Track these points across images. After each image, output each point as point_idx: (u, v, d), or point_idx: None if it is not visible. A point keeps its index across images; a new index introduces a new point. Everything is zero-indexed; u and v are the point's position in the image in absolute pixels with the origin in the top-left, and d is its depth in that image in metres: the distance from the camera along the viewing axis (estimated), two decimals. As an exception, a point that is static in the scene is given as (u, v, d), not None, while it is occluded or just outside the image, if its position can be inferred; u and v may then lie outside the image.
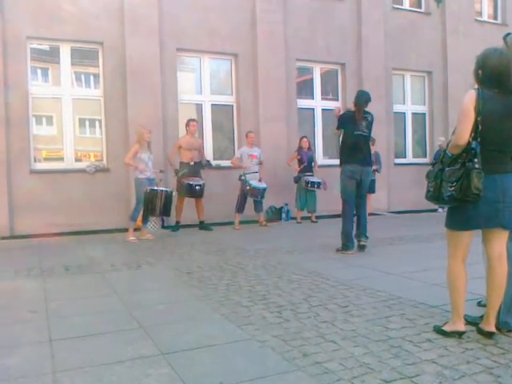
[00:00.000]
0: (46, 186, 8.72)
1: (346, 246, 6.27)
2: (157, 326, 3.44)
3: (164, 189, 7.93)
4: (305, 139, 10.03)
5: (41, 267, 5.71)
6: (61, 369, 2.74)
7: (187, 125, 8.92)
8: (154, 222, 8.85)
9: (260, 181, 9.31)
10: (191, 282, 4.83)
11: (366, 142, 6.45)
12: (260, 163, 9.44)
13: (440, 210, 11.14)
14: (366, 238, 6.36)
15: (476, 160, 2.86)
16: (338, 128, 6.57)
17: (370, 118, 6.44)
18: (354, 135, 6.33)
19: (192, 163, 8.74)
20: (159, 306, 3.97)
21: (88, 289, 4.69)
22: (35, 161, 9.05)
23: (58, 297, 4.37)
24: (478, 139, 2.90)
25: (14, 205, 8.56)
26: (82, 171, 9.09)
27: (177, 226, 8.81)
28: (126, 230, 8.08)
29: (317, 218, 9.96)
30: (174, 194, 8.19)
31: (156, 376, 2.61)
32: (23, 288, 4.80)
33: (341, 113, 6.98)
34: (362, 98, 6.45)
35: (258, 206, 9.41)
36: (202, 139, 10.03)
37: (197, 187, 8.52)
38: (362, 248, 6.30)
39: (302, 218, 9.93)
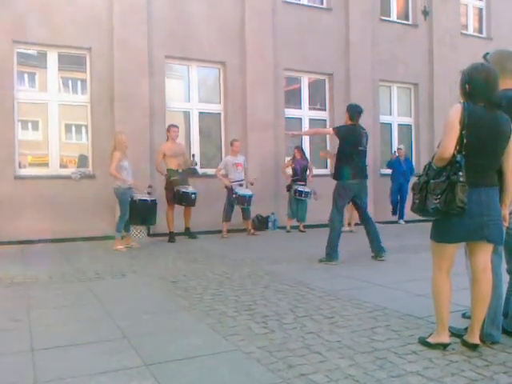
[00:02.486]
0: (30, 192, 8.61)
1: (330, 256, 6.27)
2: (141, 337, 3.40)
3: (150, 198, 7.86)
4: (296, 150, 10.08)
5: (24, 274, 5.63)
6: (42, 379, 2.70)
7: (168, 130, 8.79)
8: (139, 231, 8.78)
9: (247, 187, 9.33)
10: (176, 291, 4.80)
11: (365, 156, 6.58)
12: (245, 169, 9.45)
13: (401, 221, 11.27)
14: (384, 252, 6.42)
15: (461, 173, 2.88)
16: (337, 132, 6.48)
17: (367, 133, 6.57)
18: (357, 151, 6.40)
19: (180, 170, 8.64)
20: (144, 316, 3.93)
21: (72, 297, 4.62)
22: (20, 166, 8.96)
23: (41, 305, 4.31)
24: (463, 152, 2.93)
25: (-3, 211, 8.45)
26: (68, 177, 9.00)
27: (173, 236, 8.54)
28: (111, 237, 8.01)
29: (305, 227, 9.98)
30: (158, 201, 8.08)
31: (139, 388, 2.58)
32: (6, 296, 4.72)
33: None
34: (358, 111, 6.55)
35: (245, 213, 9.41)
36: (190, 146, 10.03)
37: (192, 195, 8.46)
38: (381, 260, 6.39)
39: (291, 228, 9.94)
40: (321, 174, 11.08)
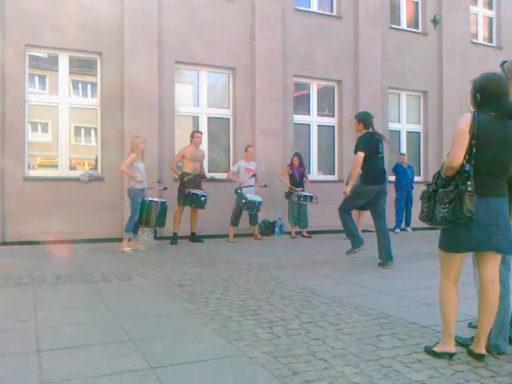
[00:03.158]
0: (39, 193, 8.68)
1: (356, 243, 6.41)
2: (146, 340, 3.41)
3: (160, 200, 7.94)
4: (296, 158, 10.05)
5: (31, 275, 5.66)
6: (48, 380, 2.71)
7: (192, 136, 8.90)
8: (146, 234, 8.80)
9: (256, 193, 9.35)
10: (182, 294, 4.81)
11: (383, 162, 6.64)
12: (255, 177, 9.47)
13: (409, 228, 11.07)
14: (392, 261, 6.41)
15: (469, 183, 2.88)
16: (363, 150, 6.37)
17: (383, 137, 6.62)
18: (378, 159, 6.46)
19: (194, 174, 8.74)
20: (149, 319, 3.94)
21: (78, 299, 4.65)
22: (29, 168, 9.02)
23: (47, 306, 4.34)
24: (472, 162, 2.92)
25: (6, 211, 8.52)
26: (76, 179, 9.06)
27: (175, 238, 8.66)
28: (118, 239, 8.05)
29: (309, 233, 9.97)
30: (168, 204, 8.16)
31: (144, 390, 2.58)
32: (13, 296, 4.75)
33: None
34: (371, 117, 6.62)
35: (253, 218, 9.43)
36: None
37: (202, 198, 8.55)
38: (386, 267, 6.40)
39: (296, 233, 9.94)
40: (328, 180, 11.12)
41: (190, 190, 8.50)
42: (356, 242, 6.42)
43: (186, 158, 8.73)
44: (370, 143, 6.45)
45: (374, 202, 6.54)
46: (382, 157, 6.58)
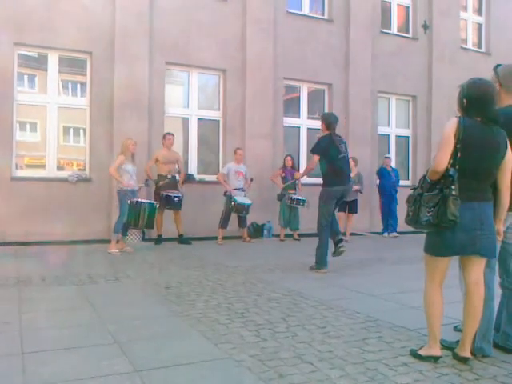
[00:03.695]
0: (26, 193, 8.60)
1: (320, 265, 6.36)
2: (132, 342, 3.39)
3: (149, 201, 7.90)
4: (288, 158, 10.10)
5: (17, 276, 5.61)
6: (32, 383, 2.68)
7: (163, 138, 8.94)
8: (134, 235, 8.76)
9: (245, 196, 9.34)
10: (169, 297, 4.79)
11: (347, 162, 6.67)
12: (246, 179, 9.47)
13: (385, 234, 11.11)
14: (341, 241, 6.54)
15: (453, 187, 2.90)
16: (318, 153, 6.49)
17: (343, 140, 6.63)
18: (339, 159, 6.45)
19: (169, 176, 8.77)
20: (136, 321, 3.91)
21: (64, 301, 4.61)
22: (17, 168, 8.94)
23: (32, 308, 4.30)
24: (457, 166, 2.95)
25: (-8, 212, 8.43)
26: (64, 180, 8.99)
27: (159, 240, 8.75)
28: (105, 241, 7.99)
29: (299, 236, 9.98)
30: (157, 205, 8.14)
31: (129, 393, 2.57)
32: (-3, 298, 4.71)
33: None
34: (334, 120, 6.63)
35: (242, 221, 9.42)
36: (188, 153, 10.07)
37: (175, 199, 8.55)
38: (340, 252, 6.46)
39: (285, 236, 9.94)
40: (318, 183, 11.10)
41: (164, 193, 8.52)
42: (320, 264, 6.37)
43: (160, 161, 8.75)
44: (329, 145, 6.48)
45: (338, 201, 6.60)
46: (344, 157, 6.55)
